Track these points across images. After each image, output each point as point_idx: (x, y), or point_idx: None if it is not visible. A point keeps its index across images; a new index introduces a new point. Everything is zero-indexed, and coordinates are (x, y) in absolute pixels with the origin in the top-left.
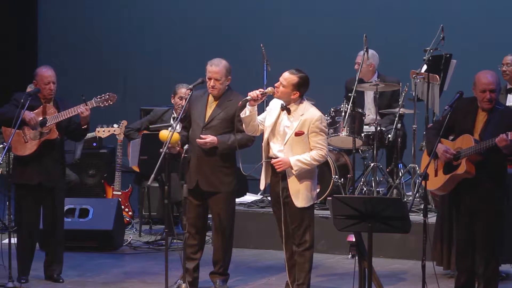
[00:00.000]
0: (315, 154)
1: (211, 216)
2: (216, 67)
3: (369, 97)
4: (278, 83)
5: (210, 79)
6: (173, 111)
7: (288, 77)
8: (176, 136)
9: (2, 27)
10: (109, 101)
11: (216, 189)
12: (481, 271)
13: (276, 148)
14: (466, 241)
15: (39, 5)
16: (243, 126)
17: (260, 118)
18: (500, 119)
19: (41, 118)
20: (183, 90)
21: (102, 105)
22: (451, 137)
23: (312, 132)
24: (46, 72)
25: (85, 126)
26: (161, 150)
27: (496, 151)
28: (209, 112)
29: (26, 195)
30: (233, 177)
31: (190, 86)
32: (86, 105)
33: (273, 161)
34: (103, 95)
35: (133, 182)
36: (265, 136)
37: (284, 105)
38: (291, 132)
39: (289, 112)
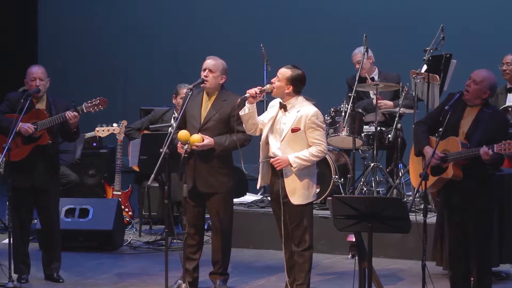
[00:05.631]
0: (314, 150)
1: (209, 216)
2: (212, 60)
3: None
4: (275, 78)
5: (204, 70)
6: (174, 111)
7: (282, 71)
8: (197, 136)
9: (2, 27)
10: (100, 106)
11: (214, 190)
12: (474, 270)
13: (275, 146)
14: (457, 241)
15: (39, 5)
16: (243, 124)
17: (260, 118)
18: (488, 121)
19: (32, 124)
20: (184, 90)
21: (93, 110)
22: (437, 134)
23: (309, 128)
24: (32, 69)
25: (75, 130)
26: (161, 150)
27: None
28: (204, 113)
29: (18, 198)
30: (230, 177)
31: (191, 86)
32: (76, 111)
33: (271, 160)
34: (93, 100)
35: (133, 182)
36: (263, 135)
37: (282, 102)
38: (287, 128)
39: (286, 109)
